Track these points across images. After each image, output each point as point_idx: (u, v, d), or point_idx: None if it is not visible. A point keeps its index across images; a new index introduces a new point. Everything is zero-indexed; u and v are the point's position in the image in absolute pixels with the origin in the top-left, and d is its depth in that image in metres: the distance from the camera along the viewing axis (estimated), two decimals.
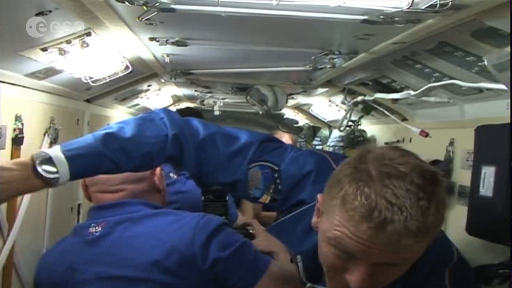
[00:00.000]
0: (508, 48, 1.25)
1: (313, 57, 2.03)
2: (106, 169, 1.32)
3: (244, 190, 1.43)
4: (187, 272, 1.41)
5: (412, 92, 1.83)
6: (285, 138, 3.63)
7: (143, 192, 1.60)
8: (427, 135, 2.09)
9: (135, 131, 1.35)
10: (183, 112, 3.05)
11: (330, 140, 3.40)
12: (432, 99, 2.06)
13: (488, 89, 1.73)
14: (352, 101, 2.64)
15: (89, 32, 1.65)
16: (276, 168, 1.40)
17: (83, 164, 1.27)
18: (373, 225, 0.92)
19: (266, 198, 1.42)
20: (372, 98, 2.32)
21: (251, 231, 1.64)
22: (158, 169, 1.65)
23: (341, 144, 3.21)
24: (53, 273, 1.54)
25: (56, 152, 1.25)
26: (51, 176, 1.22)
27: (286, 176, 1.38)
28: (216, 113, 4.01)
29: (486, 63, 1.31)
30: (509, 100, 1.58)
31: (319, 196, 1.11)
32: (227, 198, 1.97)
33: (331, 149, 3.31)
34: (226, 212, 1.94)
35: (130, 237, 1.47)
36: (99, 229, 1.51)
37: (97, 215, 1.56)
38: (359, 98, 2.52)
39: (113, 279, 1.45)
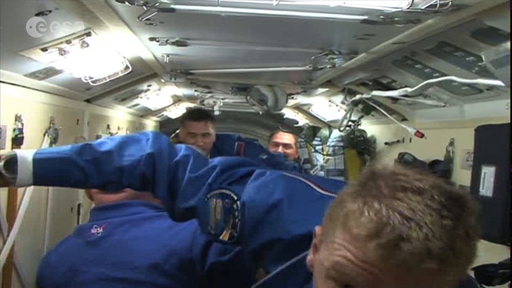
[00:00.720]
0: (506, 44, 1.25)
1: (313, 57, 2.03)
2: (74, 178, 1.28)
3: (202, 224, 1.23)
4: (186, 276, 1.42)
5: (410, 89, 1.83)
6: (287, 137, 3.63)
7: (144, 193, 1.57)
8: (422, 135, 2.10)
9: (114, 147, 1.30)
10: (192, 112, 3.03)
11: (330, 140, 3.40)
12: (429, 101, 2.06)
13: (487, 89, 1.73)
14: (351, 100, 2.64)
15: (89, 32, 1.65)
16: (235, 197, 1.17)
17: (49, 168, 1.26)
18: (385, 242, 0.71)
19: (225, 235, 1.18)
20: (369, 96, 2.32)
21: None
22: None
23: (341, 144, 3.21)
24: (55, 274, 1.55)
25: (26, 153, 1.25)
26: (10, 175, 1.22)
27: (251, 207, 1.13)
28: (216, 113, 4.00)
29: (483, 59, 1.31)
30: (509, 100, 1.58)
31: (317, 228, 0.88)
32: None
33: (331, 149, 3.31)
34: None
35: (130, 239, 1.48)
36: (101, 230, 1.52)
37: (99, 216, 1.57)
38: (357, 96, 2.52)
39: (114, 281, 1.45)
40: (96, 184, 1.32)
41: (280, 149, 3.80)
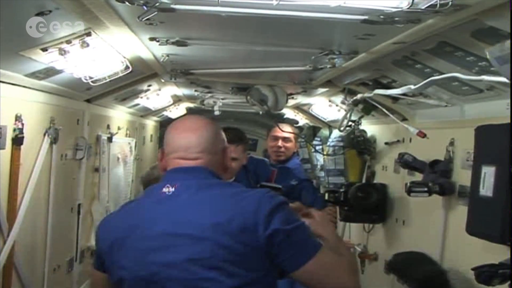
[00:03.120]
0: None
1: (313, 57, 2.03)
2: None
3: None
4: (247, 239, 1.47)
5: (413, 86, 1.82)
6: (286, 130, 3.62)
7: (215, 165, 1.65)
8: (424, 135, 2.10)
9: None
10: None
11: (330, 140, 3.40)
12: (430, 101, 2.06)
13: (488, 89, 1.73)
14: (352, 99, 2.63)
15: (89, 32, 1.65)
16: None
17: None
18: None
19: None
20: (371, 94, 2.31)
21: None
22: (229, 148, 1.74)
23: (341, 144, 3.21)
24: (115, 229, 1.60)
25: None
26: None
27: None
28: (216, 113, 4.00)
29: (488, 56, 1.31)
30: (509, 100, 1.58)
31: None
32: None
33: (331, 150, 3.30)
34: None
35: (198, 200, 1.55)
36: (172, 189, 1.57)
37: (172, 176, 1.63)
38: (359, 96, 2.52)
39: (175, 236, 1.51)
40: None
41: (280, 142, 3.80)
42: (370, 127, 3.18)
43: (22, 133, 1.93)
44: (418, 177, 2.25)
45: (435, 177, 2.08)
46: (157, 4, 1.30)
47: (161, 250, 1.50)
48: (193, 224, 1.51)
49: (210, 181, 1.61)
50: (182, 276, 1.48)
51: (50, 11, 1.36)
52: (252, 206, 1.50)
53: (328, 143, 3.36)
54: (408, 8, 1.21)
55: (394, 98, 2.34)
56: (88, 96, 2.72)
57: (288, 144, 3.82)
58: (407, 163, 2.30)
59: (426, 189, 2.07)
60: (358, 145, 3.07)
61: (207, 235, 1.48)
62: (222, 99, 3.99)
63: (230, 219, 1.48)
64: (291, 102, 3.81)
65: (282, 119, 4.56)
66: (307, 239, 1.50)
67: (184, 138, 1.61)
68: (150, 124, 5.26)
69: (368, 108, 2.67)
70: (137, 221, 1.57)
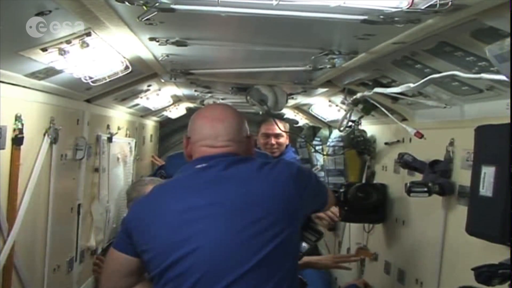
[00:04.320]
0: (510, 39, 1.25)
1: (313, 57, 2.03)
2: None
3: None
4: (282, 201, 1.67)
5: (412, 85, 1.82)
6: (277, 127, 3.63)
7: (241, 152, 1.76)
8: (421, 136, 2.10)
9: None
10: None
11: (330, 140, 3.40)
12: (430, 102, 2.06)
13: (487, 89, 1.73)
14: (352, 99, 2.63)
15: (89, 32, 1.65)
16: None
17: None
18: None
19: None
20: (371, 93, 2.31)
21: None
22: (253, 136, 1.90)
23: (341, 144, 3.21)
24: (149, 207, 1.67)
25: None
26: None
27: None
28: None
29: (487, 54, 1.31)
30: (509, 100, 1.58)
31: None
32: None
33: (331, 150, 3.30)
34: None
35: (232, 171, 1.68)
36: (205, 164, 1.69)
37: (203, 160, 1.73)
38: (359, 95, 2.52)
39: (214, 205, 1.61)
40: None
41: (272, 140, 3.80)
42: (370, 127, 3.18)
43: (22, 133, 1.93)
44: (418, 177, 2.25)
45: (435, 177, 2.08)
46: (157, 4, 1.30)
47: (199, 219, 1.58)
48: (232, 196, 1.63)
49: (241, 157, 1.74)
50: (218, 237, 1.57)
51: (50, 11, 1.36)
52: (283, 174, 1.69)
53: (328, 143, 3.36)
54: (408, 8, 1.21)
55: (394, 98, 2.34)
56: (88, 96, 2.72)
57: (281, 140, 3.82)
58: (407, 163, 2.30)
59: (426, 189, 2.07)
60: (358, 145, 3.07)
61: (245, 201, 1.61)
62: (222, 99, 3.99)
63: (271, 185, 1.65)
64: (291, 102, 3.81)
65: (282, 120, 4.56)
66: (321, 184, 1.94)
67: (213, 128, 1.72)
68: (150, 124, 5.26)
69: (368, 108, 2.67)
70: (165, 196, 1.67)
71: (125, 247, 1.63)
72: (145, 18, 1.42)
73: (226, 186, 1.64)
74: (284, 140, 3.86)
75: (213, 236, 1.56)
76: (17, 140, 1.91)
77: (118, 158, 3.66)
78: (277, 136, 3.79)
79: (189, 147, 1.77)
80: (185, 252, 1.54)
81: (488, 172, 1.63)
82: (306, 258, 2.40)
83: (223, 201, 1.61)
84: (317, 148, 3.55)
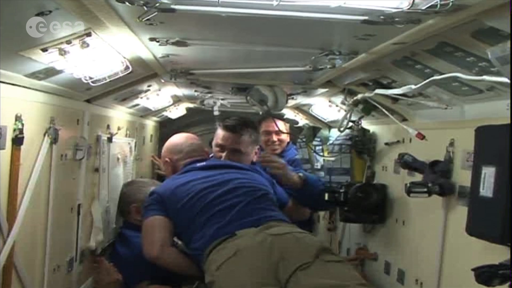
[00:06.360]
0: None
1: (313, 57, 2.03)
2: None
3: None
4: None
5: (413, 86, 1.82)
6: (279, 124, 3.61)
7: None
8: (423, 137, 2.10)
9: None
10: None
11: (335, 138, 3.34)
12: (430, 103, 2.06)
13: (488, 90, 1.73)
14: (352, 100, 2.64)
15: (89, 32, 1.65)
16: None
17: None
18: None
19: None
20: (372, 94, 2.31)
21: None
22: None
23: (349, 142, 3.16)
24: (174, 182, 2.72)
25: None
26: None
27: None
28: (216, 113, 4.00)
29: (489, 55, 1.31)
30: (509, 101, 1.58)
31: None
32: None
33: (337, 148, 3.26)
34: None
35: (227, 163, 2.75)
36: (203, 163, 2.67)
37: (197, 161, 2.82)
38: (359, 96, 2.52)
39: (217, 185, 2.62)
40: None
41: (274, 137, 3.79)
42: (370, 127, 3.18)
43: (22, 133, 1.93)
44: (418, 177, 2.25)
45: (435, 177, 2.08)
46: (157, 4, 1.30)
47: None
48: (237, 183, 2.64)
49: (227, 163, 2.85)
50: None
51: (50, 11, 1.36)
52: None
53: (333, 141, 3.34)
54: (408, 9, 1.21)
55: (394, 99, 2.34)
56: (88, 96, 2.72)
57: (282, 136, 3.82)
58: (407, 163, 2.30)
59: (426, 189, 2.07)
60: (362, 145, 3.07)
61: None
62: (222, 99, 3.99)
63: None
64: (291, 102, 3.81)
65: (282, 120, 4.55)
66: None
67: (191, 145, 2.80)
68: (150, 124, 5.26)
69: (368, 108, 2.67)
70: (173, 187, 2.61)
71: (158, 210, 2.53)
72: (145, 19, 1.42)
73: (229, 170, 2.66)
74: (286, 137, 3.85)
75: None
76: (17, 140, 1.91)
77: (118, 158, 3.65)
78: (278, 132, 3.79)
79: (172, 166, 2.72)
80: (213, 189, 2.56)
81: (488, 173, 1.63)
82: None
83: (230, 171, 2.64)
84: (317, 148, 3.54)
